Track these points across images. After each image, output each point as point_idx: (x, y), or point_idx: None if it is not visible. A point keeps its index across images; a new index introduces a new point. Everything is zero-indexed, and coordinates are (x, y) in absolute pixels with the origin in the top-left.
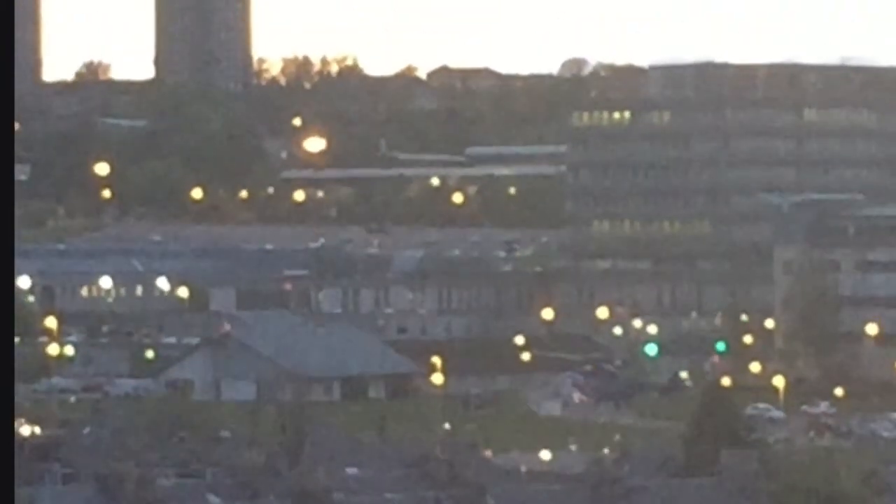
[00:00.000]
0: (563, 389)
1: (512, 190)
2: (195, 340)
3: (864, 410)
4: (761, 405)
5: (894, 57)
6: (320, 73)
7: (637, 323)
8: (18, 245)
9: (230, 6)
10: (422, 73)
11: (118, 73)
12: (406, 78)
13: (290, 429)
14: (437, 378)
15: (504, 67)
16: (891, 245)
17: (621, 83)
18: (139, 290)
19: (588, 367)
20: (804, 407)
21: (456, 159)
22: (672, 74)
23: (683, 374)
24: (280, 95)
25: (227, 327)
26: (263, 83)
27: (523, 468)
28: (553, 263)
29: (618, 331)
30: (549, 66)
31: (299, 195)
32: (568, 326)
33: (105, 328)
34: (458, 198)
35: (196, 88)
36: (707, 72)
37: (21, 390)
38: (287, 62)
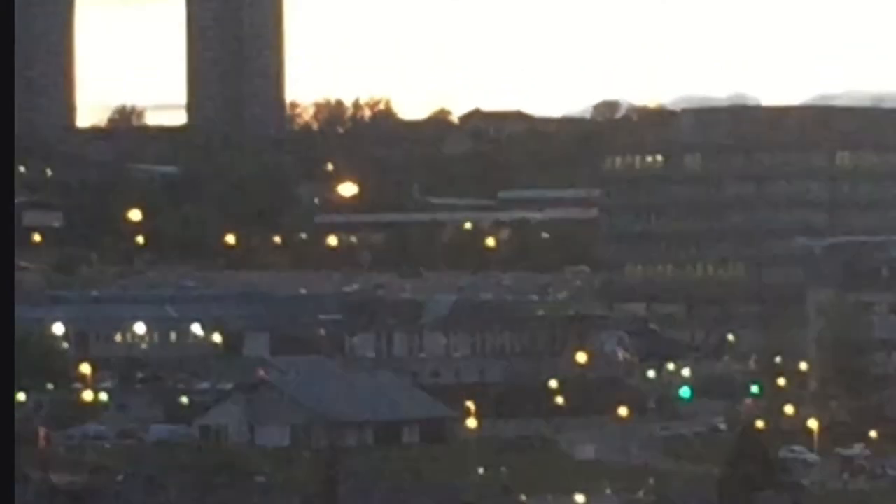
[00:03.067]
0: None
1: (545, 234)
2: (229, 386)
3: None
4: (795, 448)
5: None
6: (353, 117)
7: (671, 366)
8: (52, 292)
9: (262, 51)
10: (454, 117)
11: (151, 118)
12: (439, 121)
13: (325, 474)
14: (472, 422)
15: (536, 110)
16: None
17: (654, 126)
18: (173, 335)
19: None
20: (838, 449)
21: (488, 203)
22: (704, 117)
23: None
24: (313, 140)
25: (261, 373)
26: (296, 128)
27: None
28: (586, 307)
29: (651, 374)
30: (582, 108)
31: (332, 240)
32: (602, 370)
33: (139, 374)
34: (490, 242)
35: (229, 134)
36: (739, 114)
37: (55, 437)
38: (319, 106)
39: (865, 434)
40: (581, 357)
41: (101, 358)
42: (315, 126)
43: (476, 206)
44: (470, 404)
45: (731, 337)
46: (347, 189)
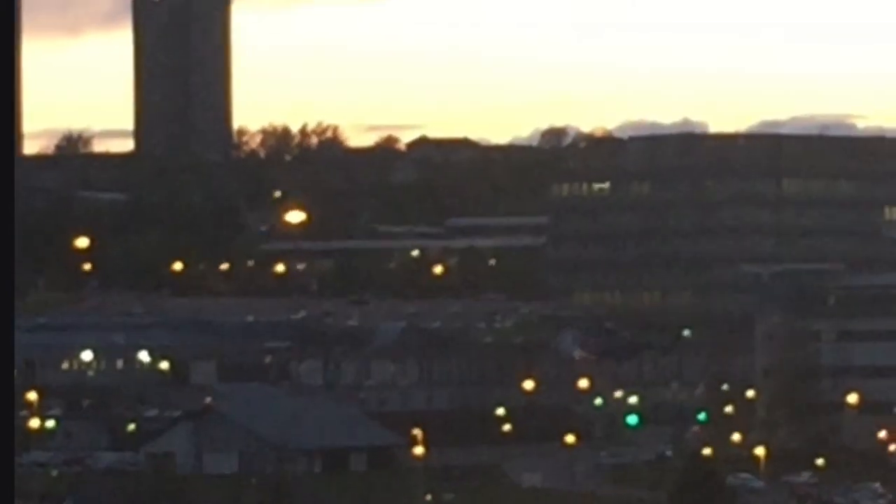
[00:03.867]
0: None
1: (492, 261)
2: (176, 413)
3: (846, 480)
4: (743, 475)
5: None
6: (300, 144)
7: (618, 393)
8: None
9: (209, 78)
10: (401, 145)
11: (98, 146)
12: (386, 149)
13: (272, 501)
14: (419, 450)
15: (483, 138)
16: (871, 315)
17: (601, 154)
18: (120, 363)
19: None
20: (786, 476)
21: (436, 231)
22: (651, 145)
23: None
24: (260, 167)
25: (209, 400)
26: (243, 155)
27: None
28: (534, 334)
29: (599, 401)
30: (529, 136)
31: (280, 267)
32: (549, 397)
33: (86, 401)
34: (438, 269)
35: (176, 161)
36: (686, 142)
37: None
38: (267, 133)
39: (813, 461)
40: (528, 384)
41: (47, 385)
42: (262, 153)
43: (424, 234)
44: (417, 432)
45: (678, 364)
46: (295, 216)
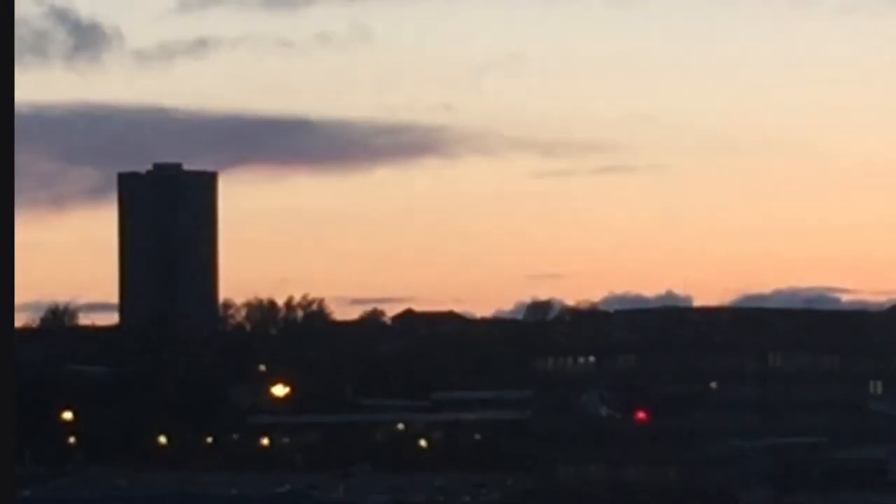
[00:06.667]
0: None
1: (477, 435)
2: None
3: None
4: None
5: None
6: (285, 318)
7: None
8: None
9: (195, 251)
10: (387, 318)
11: (84, 319)
12: (371, 322)
13: None
14: None
15: (468, 311)
16: (856, 488)
17: (586, 327)
18: None
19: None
20: None
21: (421, 404)
22: (636, 319)
23: None
24: (245, 341)
25: None
26: (229, 328)
27: None
28: None
29: None
30: (513, 309)
31: (265, 441)
32: None
33: None
34: (423, 443)
35: (161, 334)
36: (671, 316)
37: None
38: (252, 307)
39: None
40: None
41: None
42: (248, 326)
43: (409, 407)
44: None
45: None
46: (280, 390)
